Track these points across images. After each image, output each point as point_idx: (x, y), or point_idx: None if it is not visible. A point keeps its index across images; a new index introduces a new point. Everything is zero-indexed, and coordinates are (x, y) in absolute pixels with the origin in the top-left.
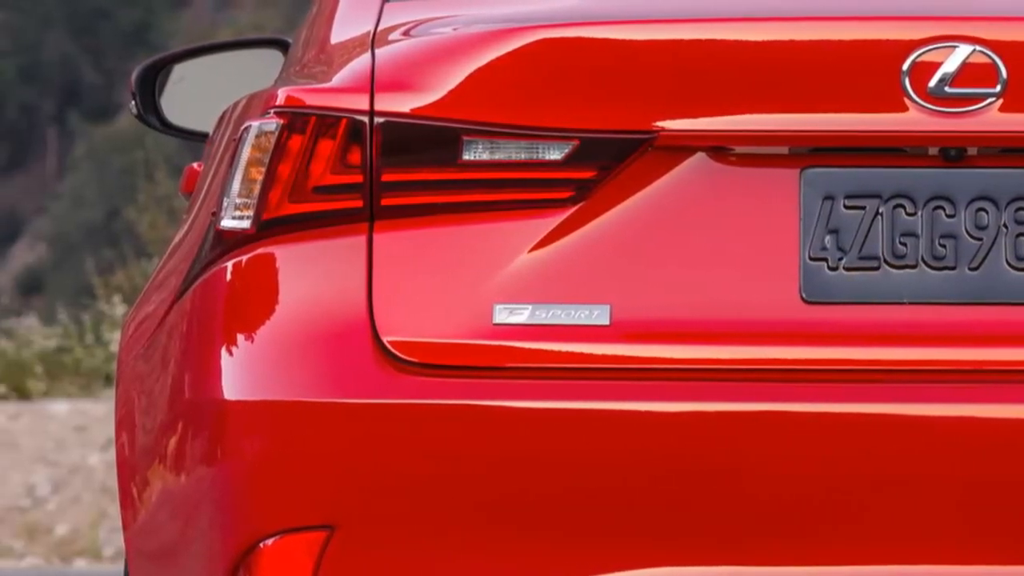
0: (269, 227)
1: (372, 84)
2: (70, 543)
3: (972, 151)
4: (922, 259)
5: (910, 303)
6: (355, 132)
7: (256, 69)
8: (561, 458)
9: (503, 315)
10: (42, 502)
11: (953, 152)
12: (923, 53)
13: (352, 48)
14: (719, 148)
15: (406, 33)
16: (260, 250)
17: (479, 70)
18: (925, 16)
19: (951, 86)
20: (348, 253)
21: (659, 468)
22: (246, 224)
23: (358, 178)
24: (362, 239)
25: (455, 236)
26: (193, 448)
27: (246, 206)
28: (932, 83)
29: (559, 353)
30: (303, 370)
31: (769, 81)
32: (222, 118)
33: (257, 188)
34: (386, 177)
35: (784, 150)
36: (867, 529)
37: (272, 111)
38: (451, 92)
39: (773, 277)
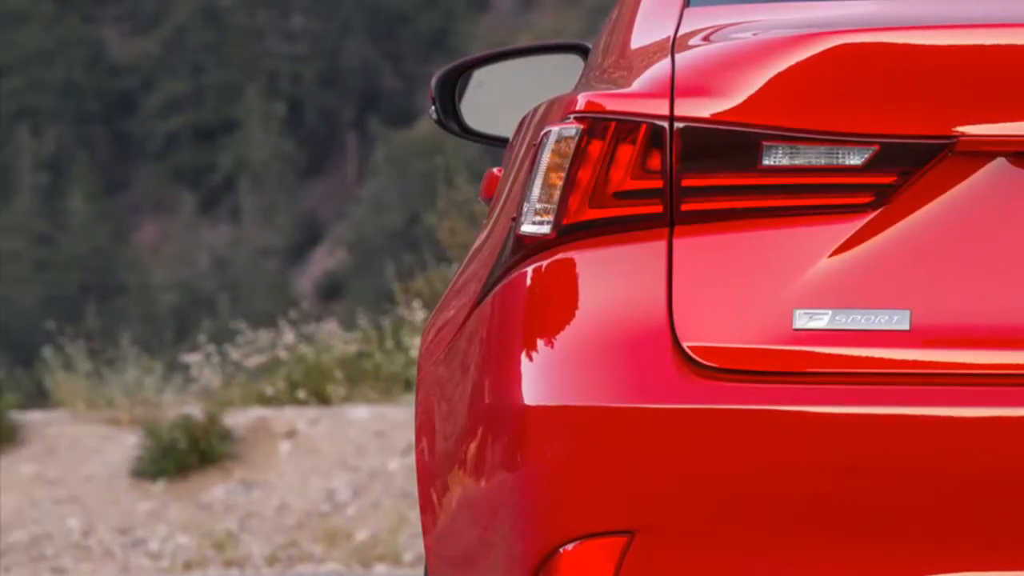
0: (569, 232)
1: (672, 89)
2: (370, 548)
3: None
4: None
5: None
6: (655, 137)
7: (556, 74)
8: (861, 463)
9: (803, 320)
10: (342, 507)
11: None
12: None
13: (652, 53)
14: (1020, 154)
15: (706, 38)
16: (560, 255)
17: (779, 75)
18: None
19: None
20: (648, 258)
21: (961, 474)
22: (546, 229)
23: (658, 183)
24: (662, 244)
25: (754, 241)
26: (493, 453)
27: (546, 211)
28: None
29: (859, 358)
30: (604, 375)
31: None
32: (522, 123)
33: (557, 193)
34: (686, 182)
35: None
36: None
37: (572, 116)
38: (751, 97)
39: None
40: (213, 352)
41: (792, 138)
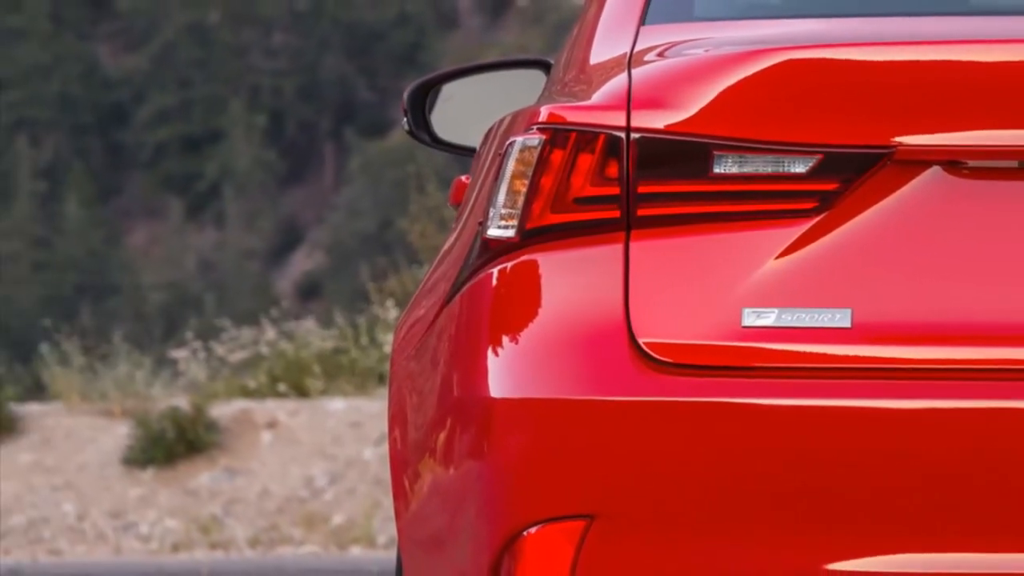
0: (532, 236)
1: (629, 102)
2: (346, 531)
3: None
4: None
5: None
6: (613, 147)
7: (520, 88)
8: (806, 452)
9: (751, 318)
10: (320, 493)
11: None
12: None
13: (610, 68)
14: (954, 162)
15: (660, 54)
16: (524, 257)
17: (729, 89)
18: None
19: None
20: (606, 260)
21: (897, 462)
22: (511, 233)
23: (615, 190)
24: (619, 247)
25: (706, 244)
26: (461, 443)
27: (511, 216)
28: None
29: (804, 354)
30: (564, 369)
31: (1000, 99)
32: (488, 134)
33: (521, 199)
34: (642, 189)
35: (1014, 163)
36: None
37: (535, 127)
38: (703, 109)
39: (1004, 282)
40: (199, 348)
41: (741, 148)
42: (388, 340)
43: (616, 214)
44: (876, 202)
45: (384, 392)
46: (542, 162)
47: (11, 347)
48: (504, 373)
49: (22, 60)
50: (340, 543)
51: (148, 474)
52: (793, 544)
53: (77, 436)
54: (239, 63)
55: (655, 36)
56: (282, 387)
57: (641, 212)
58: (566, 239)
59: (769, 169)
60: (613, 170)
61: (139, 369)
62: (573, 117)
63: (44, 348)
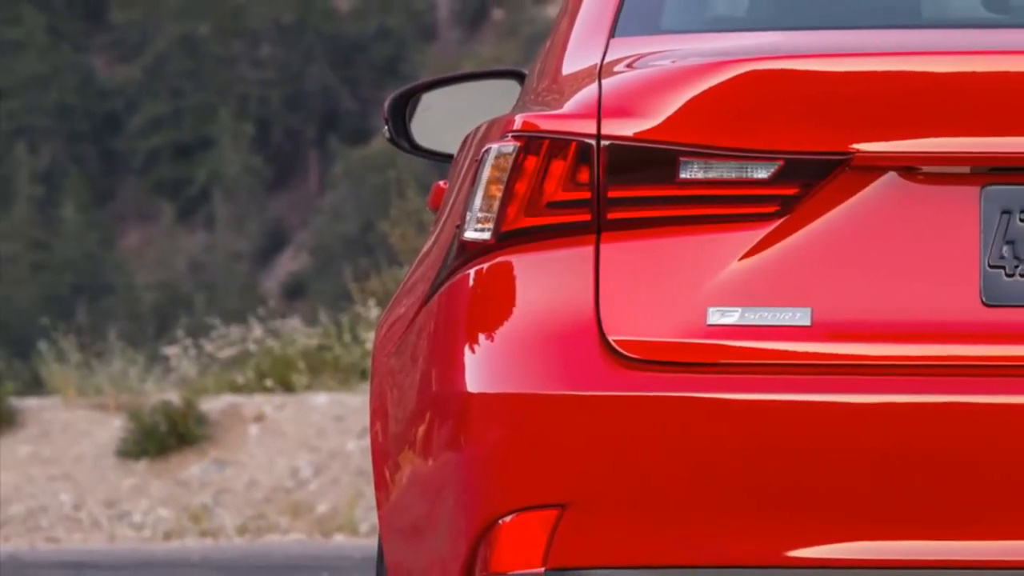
0: (507, 238)
1: (599, 111)
2: (330, 520)
3: None
4: None
5: None
6: (584, 153)
7: (495, 97)
8: (767, 444)
9: (716, 317)
10: (305, 483)
11: None
12: None
13: (581, 79)
14: (909, 168)
15: (629, 65)
16: (499, 259)
17: (695, 98)
18: None
19: None
20: (577, 261)
21: (851, 452)
22: (486, 236)
23: (586, 195)
24: (590, 249)
25: (673, 246)
26: (439, 435)
27: (486, 219)
28: None
29: (766, 351)
30: (538, 365)
31: (953, 107)
32: (465, 141)
33: (496, 203)
34: (612, 194)
35: (966, 169)
36: None
37: (510, 135)
38: (670, 118)
39: (956, 283)
40: (190, 345)
41: (706, 154)
42: (370, 338)
43: (587, 217)
44: (835, 206)
45: (366, 387)
46: (516, 168)
47: (10, 344)
48: (480, 369)
49: (21, 71)
50: (324, 531)
51: (141, 465)
52: (756, 532)
53: (73, 429)
54: (228, 73)
55: (624, 48)
56: (269, 382)
57: (611, 216)
58: (539, 241)
59: (733, 175)
60: (584, 176)
61: (133, 365)
62: (546, 125)
63: (42, 345)
